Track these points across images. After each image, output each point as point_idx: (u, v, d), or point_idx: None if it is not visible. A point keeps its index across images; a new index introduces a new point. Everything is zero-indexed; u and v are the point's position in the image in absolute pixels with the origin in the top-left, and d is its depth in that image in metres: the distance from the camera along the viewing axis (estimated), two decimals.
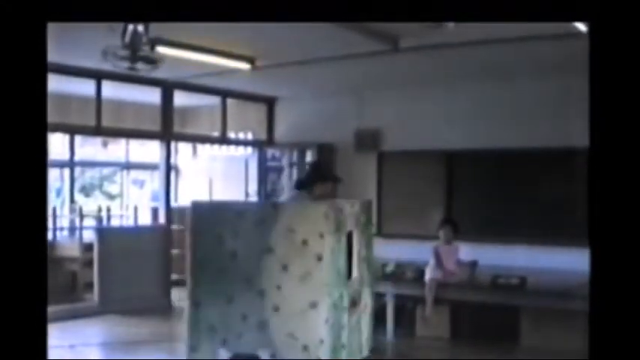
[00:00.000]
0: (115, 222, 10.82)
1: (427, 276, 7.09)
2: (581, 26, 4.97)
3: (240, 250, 4.33)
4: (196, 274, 4.43)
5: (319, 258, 4.17)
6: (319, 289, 4.16)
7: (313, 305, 4.15)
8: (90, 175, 13.22)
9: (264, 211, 4.38)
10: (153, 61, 5.05)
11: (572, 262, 6.59)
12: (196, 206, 4.63)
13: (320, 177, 5.02)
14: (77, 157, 10.83)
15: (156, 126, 9.00)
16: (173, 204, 9.98)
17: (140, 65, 5.00)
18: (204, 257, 4.42)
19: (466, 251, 7.25)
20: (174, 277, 9.58)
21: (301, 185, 5.13)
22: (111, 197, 12.79)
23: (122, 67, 5.12)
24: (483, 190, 8.49)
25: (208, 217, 4.51)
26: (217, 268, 4.37)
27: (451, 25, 5.24)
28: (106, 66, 5.45)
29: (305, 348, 4.16)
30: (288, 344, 4.19)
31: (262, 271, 4.26)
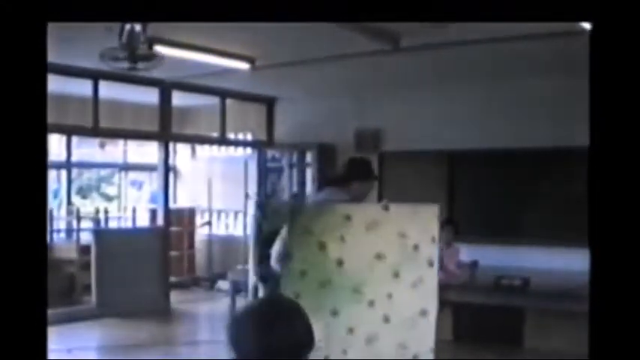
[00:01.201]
0: (113, 224, 10.81)
1: None
2: (582, 25, 4.95)
3: (347, 257, 3.87)
4: (296, 288, 3.83)
5: (430, 263, 3.91)
6: (430, 296, 3.93)
7: (424, 313, 3.92)
8: (87, 176, 13.22)
9: (376, 214, 3.94)
10: (152, 57, 5.01)
11: (575, 262, 6.53)
12: (294, 209, 4.16)
13: (361, 175, 4.44)
14: (74, 159, 10.81)
15: (154, 127, 8.98)
16: (172, 205, 9.99)
17: (140, 64, 4.97)
18: (304, 267, 3.89)
19: (468, 252, 7.24)
20: (172, 279, 9.58)
21: (335, 182, 4.55)
22: (109, 199, 12.79)
23: (120, 68, 5.09)
24: (484, 190, 8.47)
25: (307, 220, 3.96)
26: (321, 279, 3.88)
27: (452, 24, 5.23)
28: (104, 66, 5.42)
29: (416, 357, 3.92)
30: (399, 355, 3.89)
31: (372, 279, 3.90)
